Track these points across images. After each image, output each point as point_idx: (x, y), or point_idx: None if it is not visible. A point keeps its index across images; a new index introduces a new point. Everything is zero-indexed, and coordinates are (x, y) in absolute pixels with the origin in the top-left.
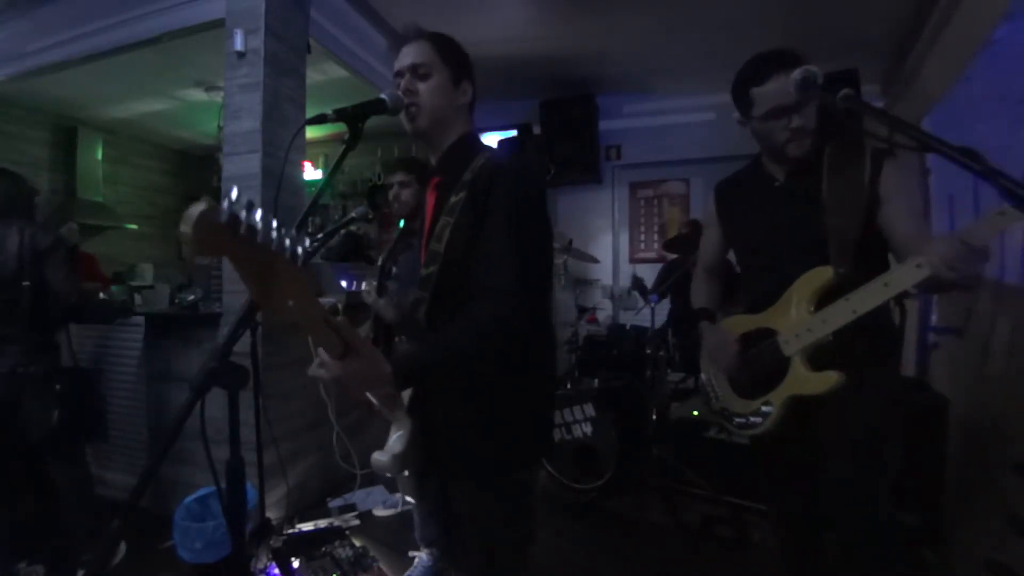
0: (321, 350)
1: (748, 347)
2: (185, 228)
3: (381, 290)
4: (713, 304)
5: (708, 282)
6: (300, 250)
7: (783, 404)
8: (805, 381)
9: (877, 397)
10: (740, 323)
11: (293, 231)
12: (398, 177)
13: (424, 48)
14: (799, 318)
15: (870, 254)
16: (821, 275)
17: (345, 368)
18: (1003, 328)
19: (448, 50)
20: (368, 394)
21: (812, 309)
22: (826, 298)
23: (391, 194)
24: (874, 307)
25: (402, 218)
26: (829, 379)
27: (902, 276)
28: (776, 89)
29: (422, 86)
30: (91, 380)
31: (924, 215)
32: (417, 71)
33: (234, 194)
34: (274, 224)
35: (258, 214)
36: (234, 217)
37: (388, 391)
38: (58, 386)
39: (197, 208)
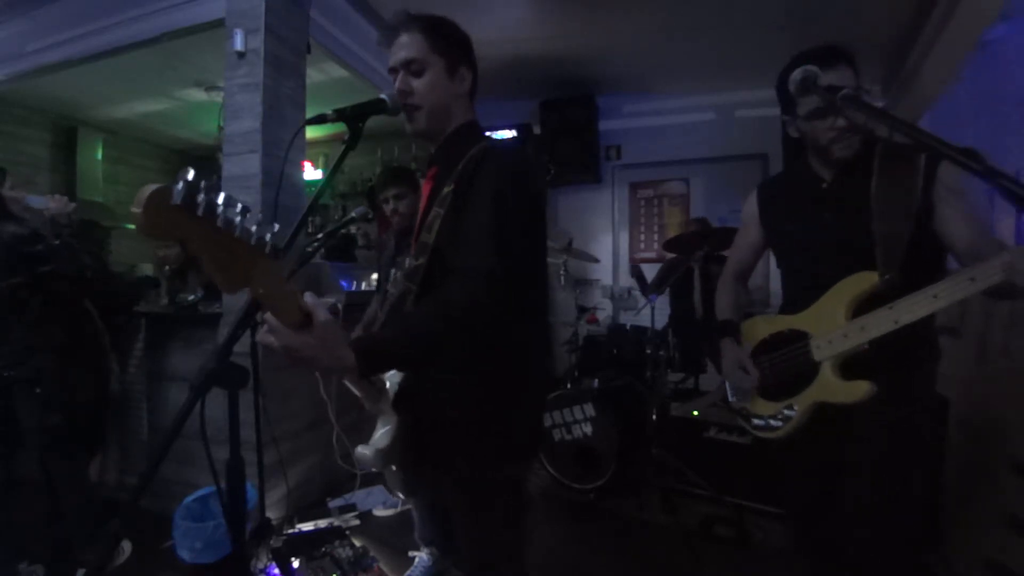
0: (269, 315)
1: (778, 347)
2: (136, 209)
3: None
4: (738, 313)
5: (735, 287)
6: (269, 236)
7: (807, 410)
8: (833, 388)
9: (908, 414)
10: (774, 323)
11: (259, 214)
12: (391, 191)
13: (416, 40)
14: (835, 323)
15: (920, 261)
16: (864, 280)
17: (298, 338)
18: (996, 328)
19: (441, 37)
20: (349, 384)
21: (850, 315)
22: (866, 305)
23: (388, 210)
24: (918, 319)
25: (399, 230)
26: (859, 389)
27: (953, 288)
28: None
29: (416, 83)
30: (107, 381)
31: (985, 220)
32: (410, 67)
33: (190, 175)
34: (239, 207)
35: (220, 197)
36: (190, 198)
37: (350, 374)
38: (38, 390)
39: (149, 188)
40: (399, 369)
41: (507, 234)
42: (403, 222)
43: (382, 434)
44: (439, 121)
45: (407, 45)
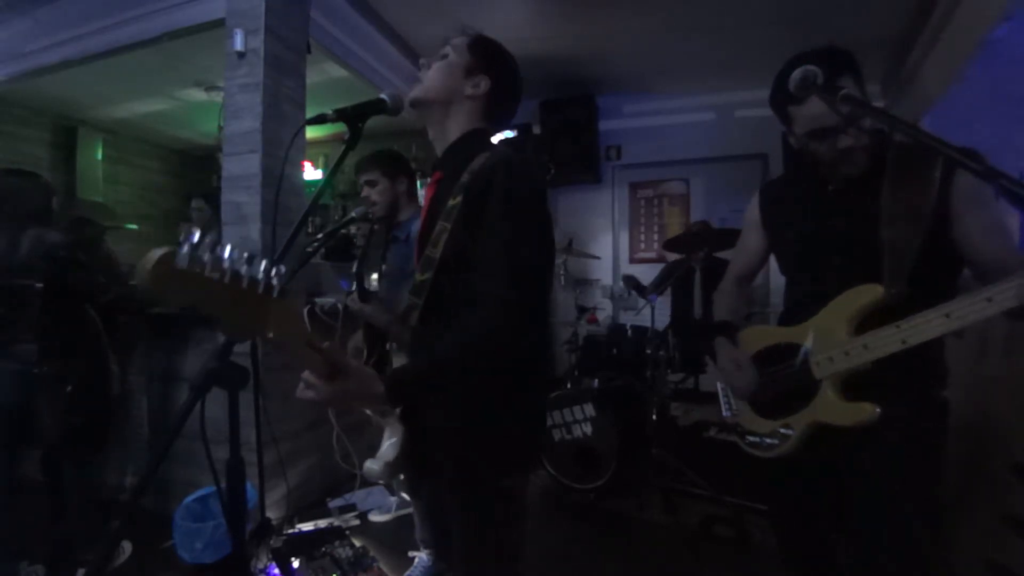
0: (306, 372)
1: (774, 362)
2: (141, 274)
3: (363, 296)
4: (736, 317)
5: (736, 292)
6: (276, 280)
7: (804, 430)
8: (834, 409)
9: (916, 437)
10: (769, 335)
11: (266, 261)
12: (363, 178)
13: (460, 40)
14: (837, 339)
15: (931, 275)
16: (868, 293)
17: (334, 389)
18: (999, 329)
19: (476, 44)
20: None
21: (853, 331)
22: (871, 319)
23: (362, 196)
24: (928, 340)
25: (377, 218)
26: (862, 411)
27: (968, 309)
28: (817, 112)
29: (434, 65)
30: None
31: (1011, 231)
32: (441, 55)
33: (195, 237)
34: (244, 256)
35: (226, 250)
36: (196, 260)
37: (382, 408)
38: (69, 388)
39: (155, 253)
40: (423, 397)
41: (522, 258)
42: (379, 212)
43: (389, 446)
44: (438, 106)
45: (450, 43)
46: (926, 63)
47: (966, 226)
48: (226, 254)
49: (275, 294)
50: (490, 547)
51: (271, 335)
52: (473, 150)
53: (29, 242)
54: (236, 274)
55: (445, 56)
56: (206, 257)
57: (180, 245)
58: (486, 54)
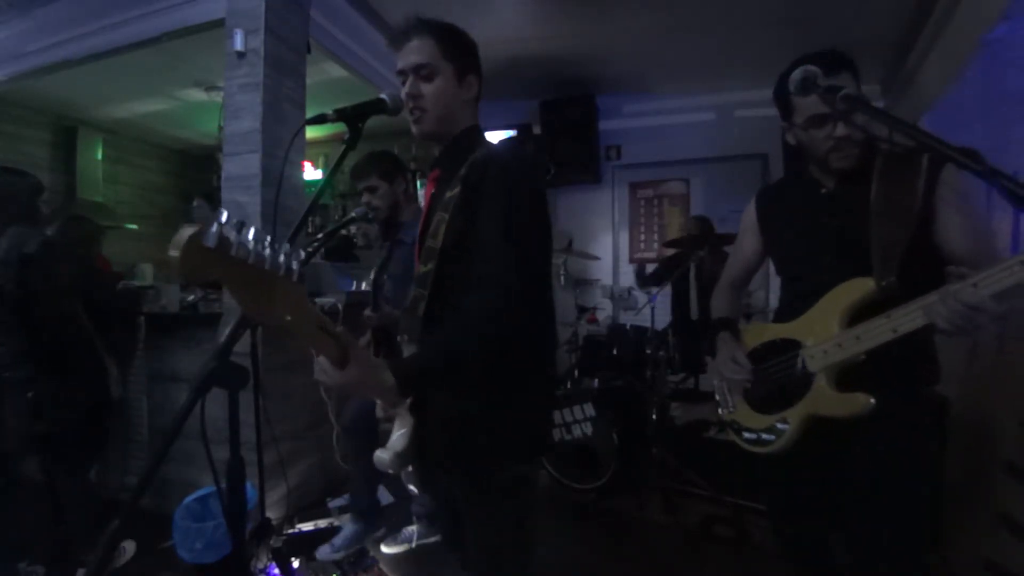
0: (322, 358)
1: (769, 358)
2: (173, 253)
3: (376, 306)
4: (735, 315)
5: (731, 293)
6: (295, 265)
7: (800, 423)
8: (829, 401)
9: (911, 429)
10: (764, 332)
11: (287, 245)
12: (363, 184)
13: (427, 45)
14: (829, 332)
15: (922, 271)
16: (860, 287)
17: (345, 376)
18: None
19: (452, 44)
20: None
21: (845, 323)
22: (863, 313)
23: (363, 202)
24: (919, 327)
25: (380, 222)
26: (856, 402)
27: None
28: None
29: (426, 88)
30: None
31: (987, 228)
32: (420, 72)
33: (224, 217)
34: (267, 240)
35: (251, 233)
36: (224, 240)
37: (391, 398)
38: (30, 394)
39: (186, 232)
40: (431, 385)
41: (520, 242)
42: (381, 215)
43: (399, 436)
44: (445, 126)
45: (418, 50)
46: (926, 63)
47: (945, 226)
48: (251, 235)
49: (295, 278)
50: (506, 536)
51: (288, 318)
52: (470, 145)
53: (7, 242)
54: (260, 256)
55: (428, 77)
56: (232, 237)
57: (208, 225)
58: (459, 51)
